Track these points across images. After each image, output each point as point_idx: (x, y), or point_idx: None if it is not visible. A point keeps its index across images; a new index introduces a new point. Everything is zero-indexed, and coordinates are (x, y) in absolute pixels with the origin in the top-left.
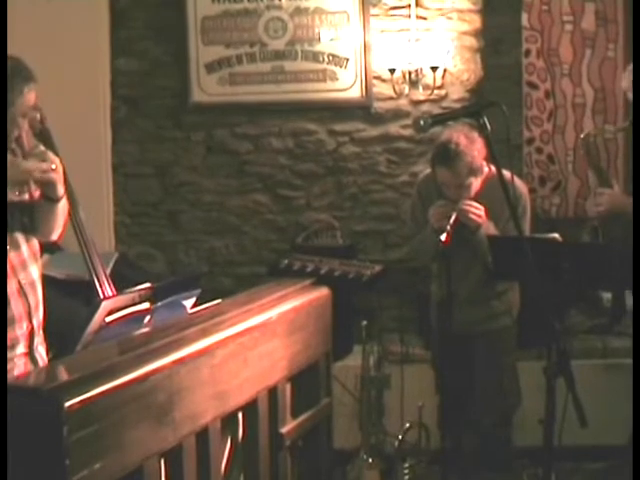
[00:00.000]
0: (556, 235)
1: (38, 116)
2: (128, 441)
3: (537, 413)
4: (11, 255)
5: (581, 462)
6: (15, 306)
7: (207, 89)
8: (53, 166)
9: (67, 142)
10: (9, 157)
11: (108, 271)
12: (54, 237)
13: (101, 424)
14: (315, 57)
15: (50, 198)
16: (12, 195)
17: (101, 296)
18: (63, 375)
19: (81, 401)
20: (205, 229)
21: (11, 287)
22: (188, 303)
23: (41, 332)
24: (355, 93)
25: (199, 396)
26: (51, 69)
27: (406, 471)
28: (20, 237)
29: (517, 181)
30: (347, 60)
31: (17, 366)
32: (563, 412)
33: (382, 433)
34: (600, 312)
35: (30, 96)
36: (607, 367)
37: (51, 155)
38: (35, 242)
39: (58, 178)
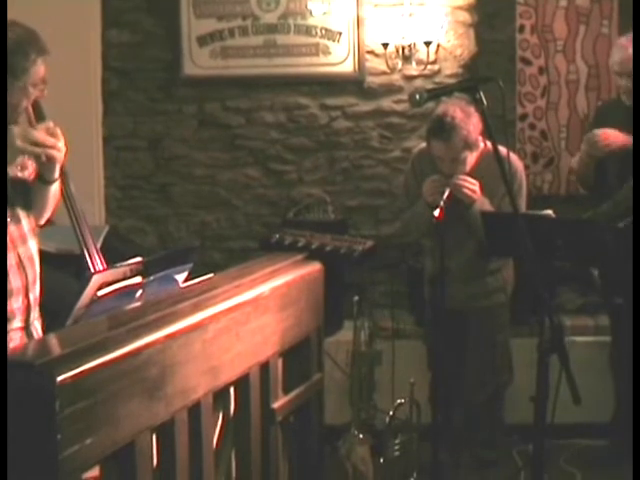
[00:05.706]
0: (550, 212)
1: (45, 90)
2: (120, 416)
3: (529, 390)
4: (11, 228)
5: (572, 439)
6: (14, 279)
7: (199, 62)
8: (60, 144)
9: (57, 114)
10: (19, 125)
11: (99, 245)
12: (41, 221)
13: (93, 399)
14: (308, 31)
15: (44, 180)
16: (15, 170)
17: (92, 270)
18: (55, 349)
19: (73, 376)
20: (196, 203)
21: (11, 260)
22: (180, 277)
23: (37, 307)
24: (348, 67)
25: (191, 371)
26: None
27: (397, 447)
28: (21, 212)
29: (513, 157)
30: (340, 34)
31: (13, 340)
32: (556, 389)
33: (373, 409)
34: (592, 290)
35: (42, 68)
36: (599, 345)
37: (59, 132)
38: (33, 218)
39: (60, 158)
